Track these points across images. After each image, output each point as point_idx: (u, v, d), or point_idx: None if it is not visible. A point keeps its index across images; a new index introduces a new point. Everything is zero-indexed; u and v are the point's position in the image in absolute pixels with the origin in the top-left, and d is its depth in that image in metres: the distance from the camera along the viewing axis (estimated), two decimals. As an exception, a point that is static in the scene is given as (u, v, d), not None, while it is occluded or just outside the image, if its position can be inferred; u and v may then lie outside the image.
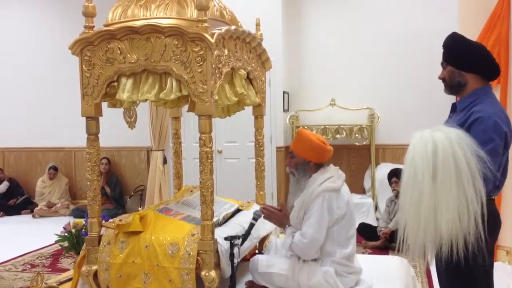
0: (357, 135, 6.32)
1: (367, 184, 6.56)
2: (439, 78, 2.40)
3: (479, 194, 2.00)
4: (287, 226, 2.73)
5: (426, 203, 2.02)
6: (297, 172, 2.73)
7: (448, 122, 2.32)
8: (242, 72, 2.96)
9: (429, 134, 2.09)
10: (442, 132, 2.08)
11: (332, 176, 2.64)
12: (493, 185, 2.13)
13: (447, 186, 2.00)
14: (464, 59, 2.29)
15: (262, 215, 2.76)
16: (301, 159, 2.71)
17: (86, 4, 2.69)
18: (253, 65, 3.16)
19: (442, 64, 2.39)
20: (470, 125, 2.16)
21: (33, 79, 7.94)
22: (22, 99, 7.98)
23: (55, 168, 7.71)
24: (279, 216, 2.77)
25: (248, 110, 3.54)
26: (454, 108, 2.41)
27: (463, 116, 2.23)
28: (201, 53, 2.47)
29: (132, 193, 7.27)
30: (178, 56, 2.50)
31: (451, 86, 2.35)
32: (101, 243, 2.71)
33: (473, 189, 1.99)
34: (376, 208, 6.24)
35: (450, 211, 1.99)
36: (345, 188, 2.68)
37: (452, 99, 2.41)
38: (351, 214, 2.65)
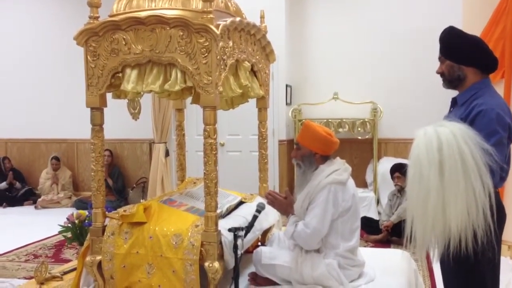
0: (359, 129, 6.31)
1: (369, 178, 6.57)
2: (437, 72, 2.38)
3: (486, 188, 1.99)
4: (290, 214, 2.72)
5: (433, 199, 2.00)
6: (303, 164, 2.72)
7: (448, 116, 2.30)
8: (247, 64, 2.95)
9: (433, 130, 2.07)
10: (446, 127, 2.06)
11: (338, 169, 2.64)
12: (500, 177, 2.12)
13: (455, 182, 1.98)
14: (464, 53, 2.28)
15: (266, 201, 2.75)
16: (307, 151, 2.69)
17: (91, -6, 2.68)
18: (257, 57, 3.16)
19: (440, 58, 2.37)
20: (473, 119, 2.15)
21: (36, 71, 7.92)
22: (25, 90, 7.97)
23: (57, 159, 7.71)
24: (284, 204, 2.75)
25: (251, 103, 3.54)
26: (454, 102, 2.40)
27: (465, 110, 2.22)
28: (206, 44, 2.47)
29: (134, 185, 7.29)
30: (183, 47, 2.50)
31: (451, 81, 2.34)
32: (105, 234, 2.73)
33: (481, 183, 1.98)
34: (378, 202, 6.24)
35: (459, 206, 1.97)
36: (351, 182, 2.68)
37: (454, 93, 2.40)
38: (356, 207, 2.65)
